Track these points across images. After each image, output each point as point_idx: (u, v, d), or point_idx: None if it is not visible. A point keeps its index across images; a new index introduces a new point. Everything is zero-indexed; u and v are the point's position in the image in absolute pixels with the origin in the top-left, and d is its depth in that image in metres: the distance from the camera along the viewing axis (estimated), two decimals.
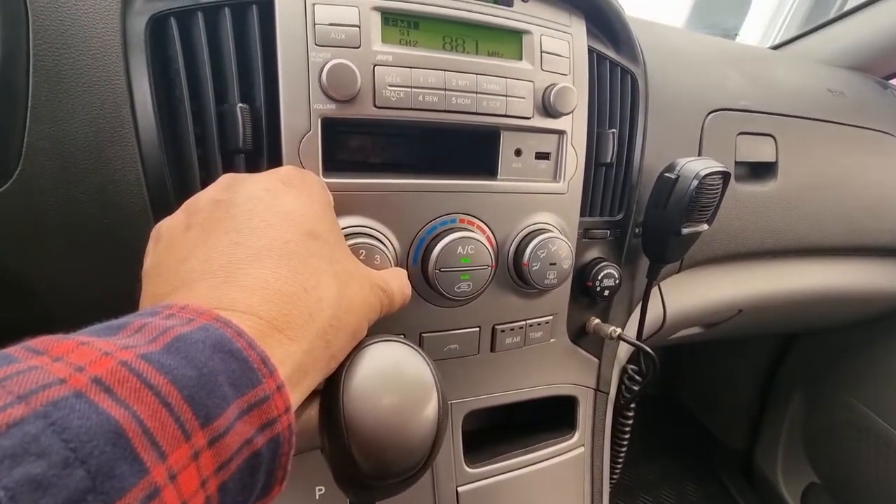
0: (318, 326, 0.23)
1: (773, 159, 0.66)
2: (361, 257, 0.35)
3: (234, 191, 0.27)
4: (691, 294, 0.67)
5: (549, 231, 0.43)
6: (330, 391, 0.25)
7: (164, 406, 0.15)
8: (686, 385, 1.50)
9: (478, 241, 0.39)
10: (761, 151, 0.66)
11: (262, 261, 0.23)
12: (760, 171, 0.66)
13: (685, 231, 0.49)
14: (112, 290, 0.37)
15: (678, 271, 0.63)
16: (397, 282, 0.33)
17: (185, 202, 0.29)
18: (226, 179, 0.30)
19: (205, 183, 0.36)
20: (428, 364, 0.27)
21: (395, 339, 0.27)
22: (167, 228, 0.28)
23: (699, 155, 0.60)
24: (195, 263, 0.23)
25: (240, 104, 0.35)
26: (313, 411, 0.25)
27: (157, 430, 0.15)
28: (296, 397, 0.21)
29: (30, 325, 0.40)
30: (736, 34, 1.70)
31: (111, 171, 0.34)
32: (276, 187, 0.28)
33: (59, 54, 0.32)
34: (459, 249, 0.39)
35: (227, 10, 0.35)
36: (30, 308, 0.37)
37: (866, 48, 0.90)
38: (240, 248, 0.23)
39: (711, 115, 0.61)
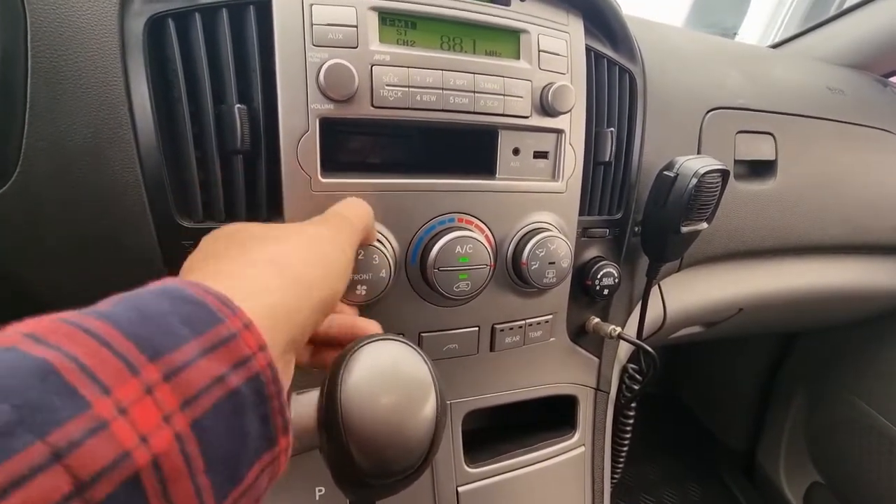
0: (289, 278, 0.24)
1: (773, 157, 0.66)
2: (360, 257, 0.36)
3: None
4: (691, 293, 0.67)
5: (547, 230, 0.43)
6: (328, 390, 0.25)
7: (103, 345, 0.15)
8: (687, 385, 1.50)
9: (476, 240, 0.39)
10: (761, 150, 0.66)
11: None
12: (760, 169, 0.66)
13: (684, 230, 0.49)
14: (113, 292, 0.37)
15: (678, 270, 0.62)
16: (353, 210, 0.33)
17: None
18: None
19: (203, 184, 0.36)
20: (426, 362, 0.27)
21: (393, 337, 0.27)
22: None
23: (698, 153, 0.60)
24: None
25: (237, 105, 0.35)
26: (312, 410, 0.25)
27: (97, 366, 0.14)
28: (274, 341, 0.21)
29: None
30: (735, 33, 1.70)
31: (110, 172, 0.34)
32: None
33: (57, 56, 0.32)
34: (458, 249, 0.39)
35: (224, 10, 0.35)
36: (29, 310, 0.37)
37: (866, 46, 0.90)
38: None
39: (710, 113, 0.61)
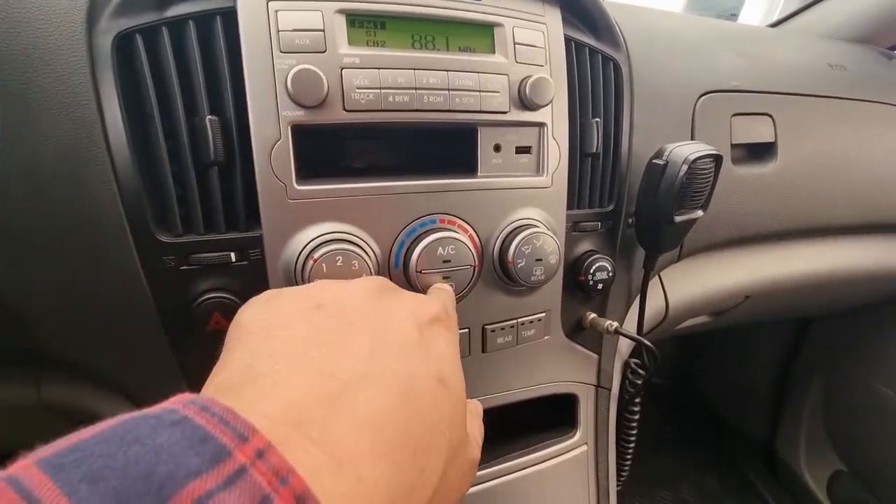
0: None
1: (772, 139, 0.64)
2: (338, 264, 0.35)
3: (382, 298, 0.25)
4: (694, 282, 0.65)
5: (533, 226, 0.42)
6: None
7: None
8: (703, 376, 1.47)
9: (458, 240, 0.39)
10: (759, 132, 0.64)
11: (378, 388, 0.19)
12: (759, 151, 0.64)
13: (678, 219, 0.48)
14: (99, 311, 0.37)
15: (678, 260, 0.61)
16: (477, 429, 0.31)
17: (319, 283, 0.27)
18: (376, 282, 0.27)
19: (180, 198, 0.36)
20: None
21: None
22: (289, 293, 0.25)
23: (692, 139, 0.58)
24: (310, 363, 0.19)
25: (209, 116, 0.35)
26: None
27: None
28: None
29: (16, 350, 0.40)
30: (734, 14, 1.67)
31: (86, 191, 0.34)
32: (426, 318, 0.25)
33: (26, 79, 0.32)
34: (439, 250, 0.38)
35: (191, 23, 0.35)
36: (16, 333, 0.38)
37: (869, 18, 0.87)
38: (368, 361, 0.20)
39: (703, 97, 0.59)
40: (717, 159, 0.47)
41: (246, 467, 0.13)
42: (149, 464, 0.13)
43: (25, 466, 0.13)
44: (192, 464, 0.13)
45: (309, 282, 0.35)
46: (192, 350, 0.39)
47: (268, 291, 0.27)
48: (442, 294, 0.32)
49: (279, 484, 0.14)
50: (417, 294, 0.28)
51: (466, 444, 0.25)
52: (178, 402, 0.15)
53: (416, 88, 0.37)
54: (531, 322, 0.47)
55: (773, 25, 1.03)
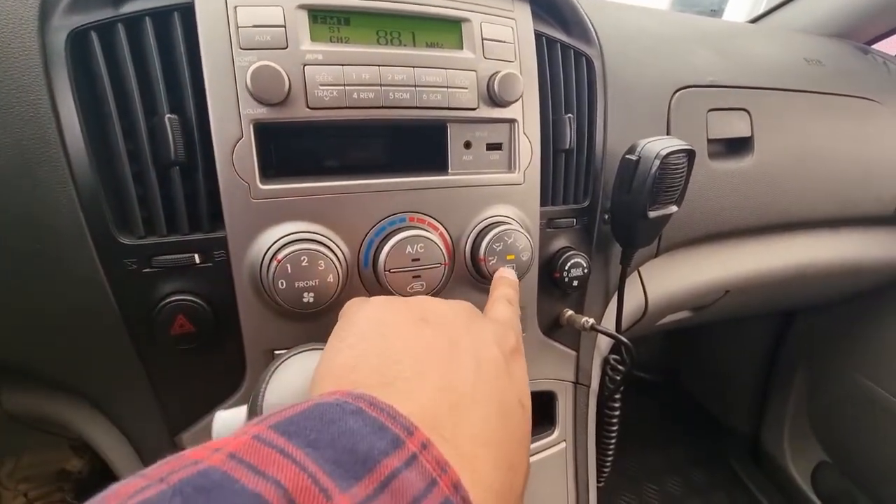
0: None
1: (749, 134, 0.64)
2: (303, 264, 0.34)
3: (473, 323, 0.28)
4: (673, 278, 0.66)
5: (505, 223, 0.41)
6: (250, 406, 0.24)
7: None
8: (689, 370, 1.48)
9: (428, 239, 0.38)
10: (735, 127, 0.64)
11: (485, 407, 0.23)
12: (736, 146, 0.65)
13: (652, 214, 0.48)
14: (60, 317, 0.36)
15: (655, 255, 0.61)
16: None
17: (418, 298, 0.30)
18: (465, 306, 0.30)
19: (141, 199, 0.35)
20: None
21: (318, 347, 0.26)
22: (395, 301, 0.28)
23: (667, 134, 0.58)
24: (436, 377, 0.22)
25: (168, 115, 0.34)
26: (237, 427, 0.24)
27: None
28: None
29: None
30: (715, 10, 1.67)
31: (41, 193, 0.33)
32: (509, 348, 0.28)
33: None
34: (408, 249, 0.38)
35: (148, 20, 0.34)
36: None
37: (846, 13, 0.88)
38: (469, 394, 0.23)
39: (679, 92, 0.59)
40: (690, 154, 0.47)
41: (417, 455, 0.17)
42: (349, 440, 0.16)
43: (262, 429, 0.16)
44: (380, 445, 0.17)
45: (274, 282, 0.35)
46: (158, 354, 0.38)
47: (376, 297, 0.30)
48: (512, 315, 0.33)
49: (441, 472, 0.17)
50: (496, 321, 0.31)
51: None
52: (346, 396, 0.18)
53: (381, 85, 0.37)
54: None
55: (753, 21, 1.04)
